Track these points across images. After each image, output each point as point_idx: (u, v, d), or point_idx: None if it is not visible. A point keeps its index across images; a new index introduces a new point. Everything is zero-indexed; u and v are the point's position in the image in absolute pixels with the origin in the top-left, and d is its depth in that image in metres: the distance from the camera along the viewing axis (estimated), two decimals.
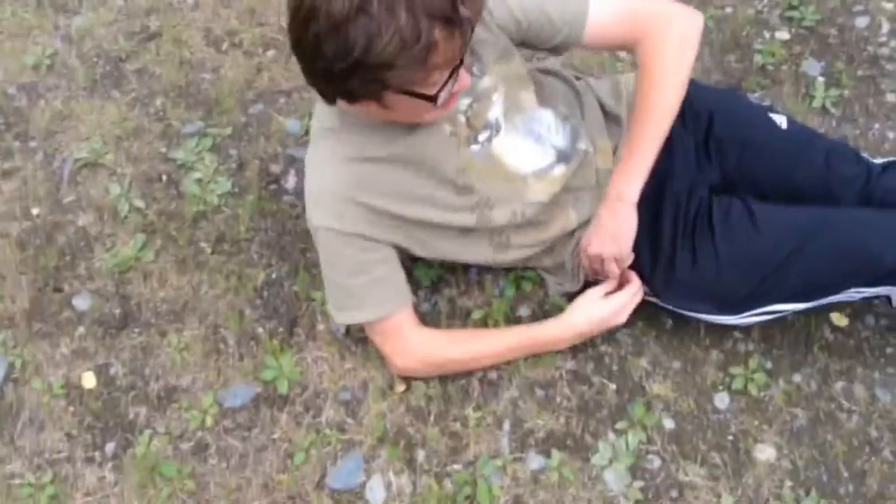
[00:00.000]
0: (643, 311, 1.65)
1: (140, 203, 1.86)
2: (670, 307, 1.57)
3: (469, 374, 1.61)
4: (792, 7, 2.11)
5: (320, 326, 1.66)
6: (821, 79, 1.99)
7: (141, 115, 2.00)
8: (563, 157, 1.50)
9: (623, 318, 1.55)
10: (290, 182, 1.85)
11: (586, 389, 1.60)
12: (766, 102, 1.95)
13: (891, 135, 1.91)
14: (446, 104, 1.30)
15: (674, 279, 1.52)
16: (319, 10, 1.11)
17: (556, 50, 1.48)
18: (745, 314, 1.53)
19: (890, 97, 1.97)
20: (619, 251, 1.48)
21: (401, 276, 1.49)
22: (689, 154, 1.60)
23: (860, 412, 1.56)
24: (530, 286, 1.71)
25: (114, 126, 1.99)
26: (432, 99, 1.23)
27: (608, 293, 1.55)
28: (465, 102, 1.41)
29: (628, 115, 1.52)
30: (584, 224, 1.55)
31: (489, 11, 1.38)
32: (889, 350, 1.63)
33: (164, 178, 1.90)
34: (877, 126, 1.92)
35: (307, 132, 1.92)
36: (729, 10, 2.14)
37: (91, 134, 1.98)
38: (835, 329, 1.65)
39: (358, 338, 1.65)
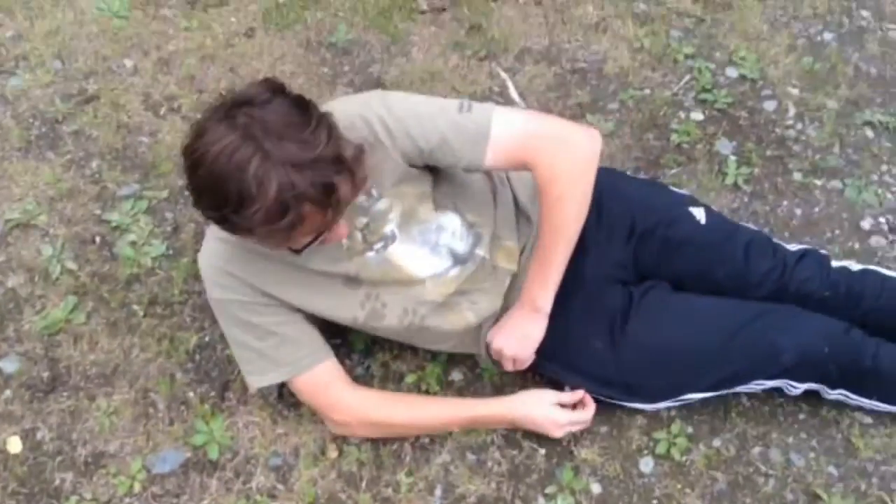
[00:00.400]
0: None
1: (72, 265, 1.84)
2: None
3: (403, 438, 1.63)
4: (705, 90, 2.26)
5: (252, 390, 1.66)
6: (733, 157, 2.12)
7: (76, 176, 2.00)
8: (459, 260, 1.55)
9: (560, 434, 1.60)
10: None
11: (517, 454, 1.64)
12: (685, 178, 2.06)
13: (798, 211, 2.04)
14: (325, 241, 1.35)
15: (583, 365, 1.60)
16: (202, 165, 1.18)
17: (466, 170, 1.49)
18: (658, 403, 1.64)
19: (797, 176, 2.11)
20: (521, 353, 1.54)
21: (314, 332, 1.52)
22: (605, 251, 1.64)
23: (776, 476, 1.63)
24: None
25: (48, 187, 1.98)
26: (296, 252, 1.32)
27: (562, 404, 1.59)
28: (362, 221, 1.47)
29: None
30: (489, 319, 1.59)
31: (392, 138, 1.40)
32: (801, 416, 1.72)
33: (98, 240, 1.89)
34: (785, 203, 2.05)
35: None
36: (647, 91, 2.27)
37: (24, 195, 1.96)
38: (751, 396, 1.73)
39: (290, 402, 1.66)
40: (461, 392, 1.70)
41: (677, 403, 1.64)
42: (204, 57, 2.25)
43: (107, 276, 1.82)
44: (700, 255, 1.66)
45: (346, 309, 1.50)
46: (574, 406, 1.61)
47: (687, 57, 2.35)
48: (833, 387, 1.64)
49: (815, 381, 1.63)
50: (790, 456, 1.66)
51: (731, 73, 2.34)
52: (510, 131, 1.41)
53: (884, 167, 2.16)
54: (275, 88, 1.23)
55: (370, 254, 1.49)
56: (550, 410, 1.58)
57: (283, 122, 1.18)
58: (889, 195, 2.10)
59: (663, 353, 1.56)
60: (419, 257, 1.52)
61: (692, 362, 1.58)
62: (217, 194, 1.19)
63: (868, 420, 1.71)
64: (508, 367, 1.58)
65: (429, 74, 2.28)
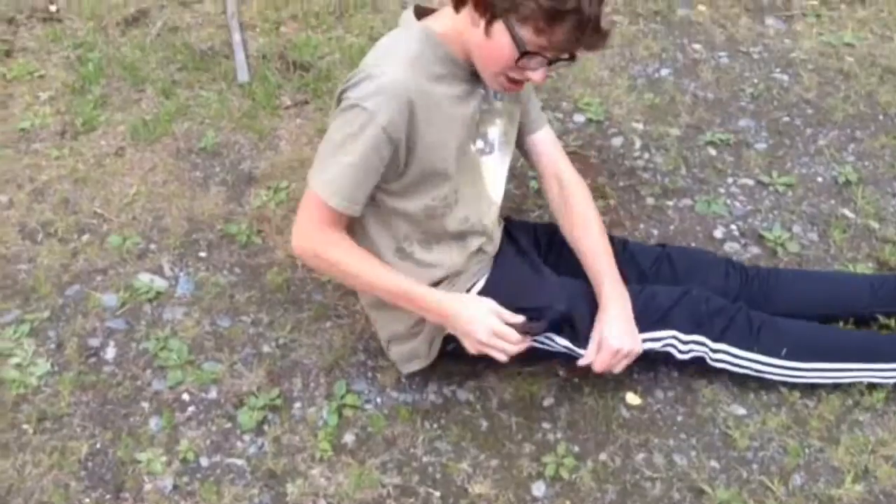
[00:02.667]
0: (458, 417, 1.78)
1: None
2: None
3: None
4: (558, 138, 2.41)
5: (147, 486, 1.68)
6: None
7: None
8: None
9: (477, 349, 1.61)
10: (110, 353, 1.91)
11: (413, 502, 1.68)
12: (546, 218, 2.18)
13: (654, 231, 2.18)
14: (509, 86, 1.52)
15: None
16: None
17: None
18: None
19: (650, 200, 2.25)
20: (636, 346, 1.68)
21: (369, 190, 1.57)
22: None
23: (662, 478, 1.70)
24: (352, 412, 1.80)
25: None
26: (521, 55, 1.43)
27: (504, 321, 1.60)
28: (484, 106, 1.63)
29: None
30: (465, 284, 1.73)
31: None
32: (679, 418, 1.80)
33: None
34: (641, 226, 2.19)
35: (123, 304, 2.01)
36: None
37: None
38: (630, 407, 1.82)
39: (186, 491, 1.68)
40: (353, 454, 1.75)
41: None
42: (77, 181, 2.33)
43: None
44: None
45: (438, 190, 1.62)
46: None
47: None
48: (716, 340, 1.73)
49: (698, 333, 1.73)
50: (672, 457, 1.73)
51: (579, 118, 2.51)
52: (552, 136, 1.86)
53: (729, 180, 2.33)
54: None
55: (473, 146, 1.65)
56: (487, 314, 1.60)
57: None
58: (737, 203, 2.25)
59: None
60: (499, 180, 1.74)
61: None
62: None
63: (742, 411, 1.80)
64: (622, 366, 1.70)
65: (298, 162, 2.39)
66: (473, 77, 1.58)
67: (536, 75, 1.48)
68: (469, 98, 1.60)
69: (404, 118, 1.49)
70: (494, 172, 1.72)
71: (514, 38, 1.42)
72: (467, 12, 1.47)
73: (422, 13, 1.60)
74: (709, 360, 1.77)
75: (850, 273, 2.05)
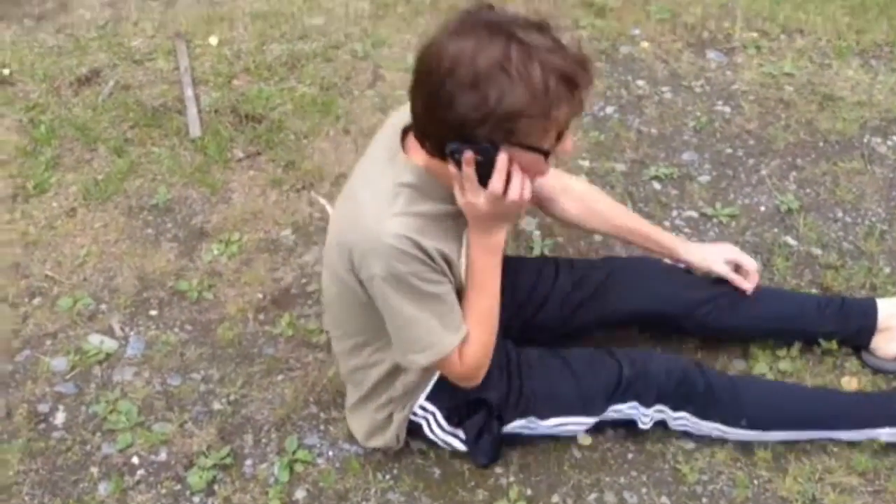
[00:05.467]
0: (410, 466, 1.79)
1: None
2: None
3: None
4: None
5: None
6: (537, 232, 2.29)
7: None
8: None
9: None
10: (59, 418, 1.91)
11: None
12: None
13: None
14: (539, 173, 1.43)
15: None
16: (460, 66, 1.26)
17: None
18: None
19: (597, 237, 2.28)
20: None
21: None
22: None
23: None
24: (303, 467, 1.81)
25: None
26: (546, 153, 1.37)
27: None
28: None
29: None
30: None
31: None
32: (630, 455, 1.82)
33: None
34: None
35: (73, 367, 2.01)
36: None
37: None
38: (581, 447, 1.83)
39: None
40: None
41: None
42: (28, 244, 2.33)
43: None
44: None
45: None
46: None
47: None
48: (676, 409, 1.75)
49: (659, 404, 1.74)
50: (623, 495, 1.75)
51: None
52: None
53: (674, 213, 2.36)
54: (489, 5, 1.34)
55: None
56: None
57: (521, 18, 1.30)
58: (682, 236, 2.29)
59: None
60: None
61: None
62: (481, 89, 1.25)
63: (691, 445, 1.82)
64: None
65: (251, 214, 2.41)
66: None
67: (566, 146, 1.41)
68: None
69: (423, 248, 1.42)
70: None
71: (531, 149, 1.35)
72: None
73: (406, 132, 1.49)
74: (670, 424, 1.79)
75: (799, 293, 2.09)
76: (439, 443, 1.76)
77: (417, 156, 1.44)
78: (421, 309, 1.45)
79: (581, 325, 1.89)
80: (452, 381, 1.60)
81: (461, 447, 1.74)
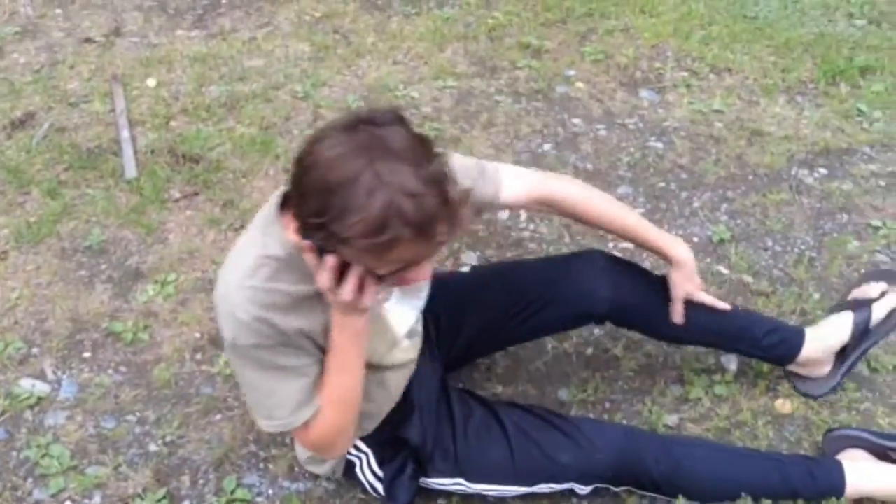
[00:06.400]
0: (353, 502, 1.76)
1: None
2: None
3: None
4: None
5: None
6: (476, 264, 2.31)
7: None
8: (410, 333, 1.66)
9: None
10: None
11: None
12: None
13: None
14: (406, 281, 1.33)
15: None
16: (315, 169, 1.21)
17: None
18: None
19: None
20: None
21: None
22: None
23: None
24: None
25: None
26: (378, 279, 1.30)
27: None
28: None
29: None
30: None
31: None
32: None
33: None
34: None
35: (4, 412, 1.94)
36: None
37: None
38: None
39: None
40: None
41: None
42: None
43: None
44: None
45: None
46: None
47: None
48: (619, 485, 1.74)
49: (601, 483, 1.73)
50: None
51: None
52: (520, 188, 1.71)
53: (610, 245, 2.41)
54: (399, 117, 1.25)
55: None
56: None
57: (401, 146, 1.20)
58: None
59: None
60: (405, 314, 1.62)
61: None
62: (324, 200, 1.20)
63: None
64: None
65: (187, 253, 2.39)
66: None
67: (411, 277, 1.33)
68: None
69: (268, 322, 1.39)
70: (397, 310, 1.62)
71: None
72: None
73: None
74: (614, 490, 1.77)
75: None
76: (366, 485, 1.72)
77: (290, 230, 1.39)
78: (265, 379, 1.44)
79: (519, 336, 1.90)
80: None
81: (382, 491, 1.71)
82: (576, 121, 2.91)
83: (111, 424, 1.93)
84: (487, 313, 1.83)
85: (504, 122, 2.89)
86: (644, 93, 3.04)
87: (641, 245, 1.84)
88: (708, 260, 2.35)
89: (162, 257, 2.38)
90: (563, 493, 1.74)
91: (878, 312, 1.91)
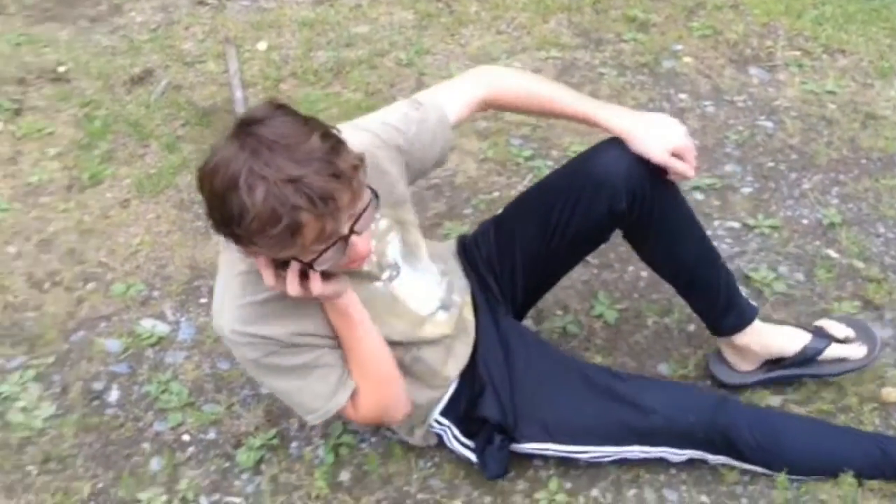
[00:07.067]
0: (451, 455, 1.81)
1: None
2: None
3: None
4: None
5: None
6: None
7: None
8: (444, 305, 1.70)
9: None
10: (113, 396, 1.96)
11: None
12: None
13: (643, 274, 2.23)
14: (351, 262, 1.37)
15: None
16: (207, 181, 1.26)
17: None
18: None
19: None
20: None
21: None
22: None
23: None
24: (347, 451, 1.84)
25: None
26: (309, 266, 1.33)
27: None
28: (372, 242, 1.51)
29: None
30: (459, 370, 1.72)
31: (384, 142, 1.55)
32: None
33: None
34: (631, 268, 2.24)
35: (127, 349, 2.06)
36: (496, 194, 2.49)
37: None
38: None
39: None
40: (349, 491, 1.78)
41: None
42: (83, 232, 2.40)
43: (0, 444, 1.89)
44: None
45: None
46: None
47: (527, 159, 2.60)
48: (715, 453, 1.74)
49: (695, 448, 1.73)
50: (663, 493, 1.76)
51: None
52: (459, 104, 1.67)
53: (716, 223, 2.39)
54: (278, 106, 1.29)
55: (378, 283, 1.59)
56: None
57: (275, 135, 1.23)
58: (724, 246, 2.31)
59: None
60: (422, 292, 1.65)
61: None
62: (221, 209, 1.24)
63: None
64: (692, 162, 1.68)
65: None
66: None
67: (359, 252, 1.35)
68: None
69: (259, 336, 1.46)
70: (412, 287, 1.65)
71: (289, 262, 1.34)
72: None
73: None
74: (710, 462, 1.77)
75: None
76: (457, 454, 1.78)
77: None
78: (289, 380, 1.52)
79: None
80: None
81: (475, 459, 1.76)
82: (682, 96, 2.88)
83: (226, 366, 2.03)
84: (529, 245, 1.80)
85: (608, 94, 2.88)
86: (754, 70, 2.98)
87: (585, 123, 1.71)
88: (817, 243, 2.31)
89: None
90: (656, 459, 1.76)
91: (832, 352, 1.87)
